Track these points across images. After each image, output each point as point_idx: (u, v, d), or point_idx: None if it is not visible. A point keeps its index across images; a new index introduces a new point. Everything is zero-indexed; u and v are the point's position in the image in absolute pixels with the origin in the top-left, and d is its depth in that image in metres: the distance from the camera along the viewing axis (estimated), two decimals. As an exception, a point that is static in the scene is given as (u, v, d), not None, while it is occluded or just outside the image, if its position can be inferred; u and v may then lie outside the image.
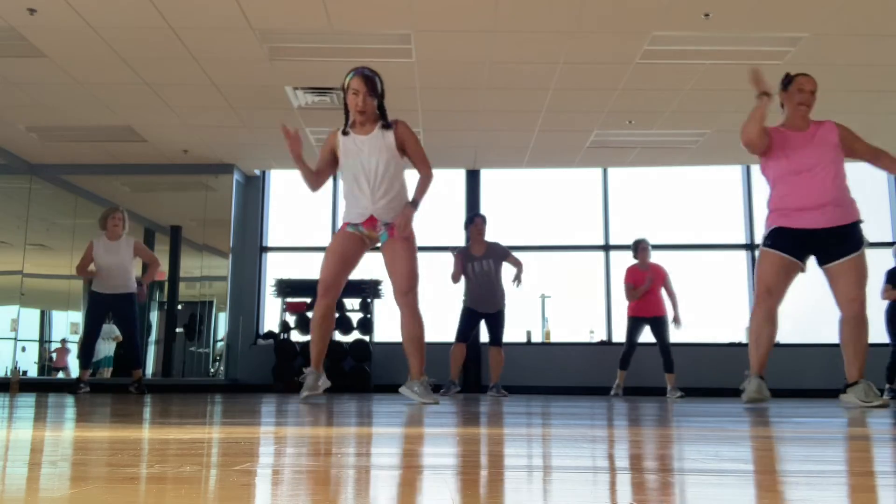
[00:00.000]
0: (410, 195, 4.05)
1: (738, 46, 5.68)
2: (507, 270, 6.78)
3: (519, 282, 6.59)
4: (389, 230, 3.97)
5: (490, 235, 6.95)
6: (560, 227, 9.05)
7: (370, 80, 3.93)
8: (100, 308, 6.55)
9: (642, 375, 8.06)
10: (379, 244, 4.07)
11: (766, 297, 4.11)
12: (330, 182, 9.15)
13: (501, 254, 6.70)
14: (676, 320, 7.11)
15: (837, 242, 4.00)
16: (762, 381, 4.11)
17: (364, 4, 5.09)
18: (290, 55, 5.86)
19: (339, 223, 4.23)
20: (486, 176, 9.05)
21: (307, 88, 6.53)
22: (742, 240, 8.85)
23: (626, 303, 7.21)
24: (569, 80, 6.28)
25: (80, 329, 6.82)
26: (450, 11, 5.17)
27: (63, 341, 9.91)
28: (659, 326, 7.05)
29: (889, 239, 8.63)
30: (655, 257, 7.21)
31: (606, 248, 8.86)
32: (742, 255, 8.82)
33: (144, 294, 6.73)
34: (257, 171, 9.09)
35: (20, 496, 0.86)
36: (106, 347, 9.62)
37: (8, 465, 1.21)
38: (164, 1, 5.02)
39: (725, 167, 8.99)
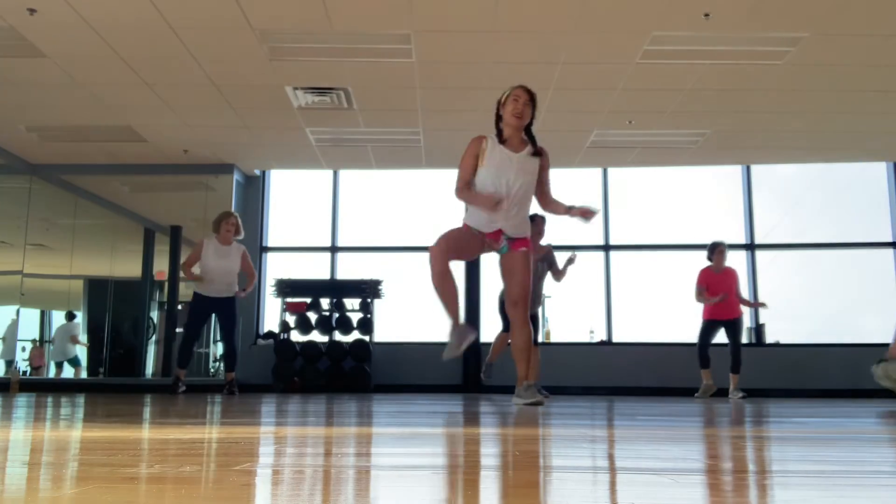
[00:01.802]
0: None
1: (738, 46, 5.68)
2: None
3: (568, 263, 6.52)
4: (512, 244, 4.11)
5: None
6: (560, 227, 9.05)
7: (531, 93, 4.11)
8: (203, 310, 6.63)
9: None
10: (498, 253, 4.20)
11: None
12: (330, 182, 9.18)
13: (552, 261, 6.70)
14: (760, 305, 7.33)
15: None
16: None
17: (364, 4, 5.09)
18: (290, 55, 5.86)
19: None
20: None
21: (307, 88, 6.53)
22: (743, 240, 8.85)
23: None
24: (569, 80, 6.28)
25: (182, 329, 6.89)
26: (450, 11, 5.17)
27: (34, 341, 9.91)
28: (734, 328, 7.06)
29: (889, 239, 8.63)
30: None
31: (606, 248, 8.86)
32: (742, 256, 8.82)
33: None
34: (257, 171, 9.08)
35: (20, 496, 0.86)
36: (72, 348, 9.65)
37: (8, 465, 1.21)
38: (164, 1, 5.02)
39: (725, 167, 8.99)
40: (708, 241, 7.35)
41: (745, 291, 7.83)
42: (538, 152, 4.13)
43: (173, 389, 6.42)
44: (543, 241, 6.68)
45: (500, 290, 6.78)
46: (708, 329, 7.12)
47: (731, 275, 7.18)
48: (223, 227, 6.66)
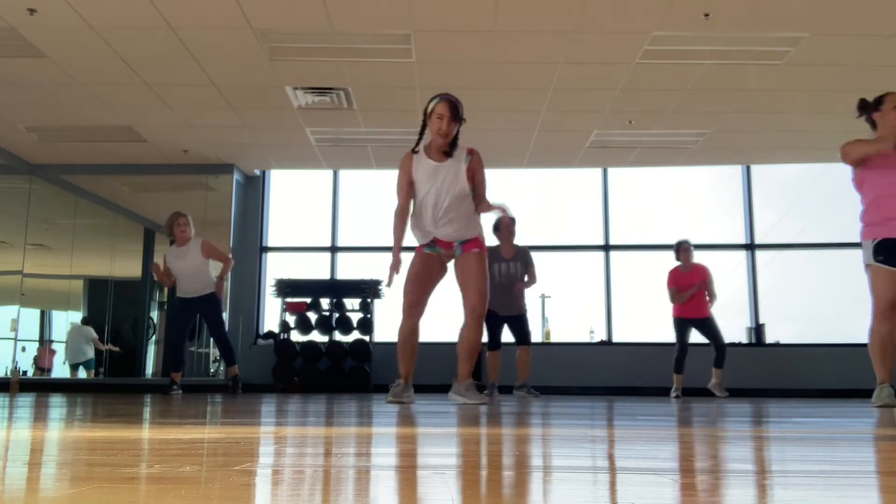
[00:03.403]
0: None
1: (738, 46, 5.68)
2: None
3: (520, 290, 6.57)
4: (464, 247, 4.16)
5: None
6: (560, 227, 9.05)
7: (454, 106, 4.13)
8: (185, 312, 6.62)
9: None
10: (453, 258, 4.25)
11: (889, 313, 4.16)
12: (330, 181, 9.18)
13: (527, 261, 6.67)
14: (711, 297, 7.15)
15: None
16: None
17: (364, 4, 5.09)
18: (290, 55, 5.86)
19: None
20: (487, 175, 9.03)
21: (307, 88, 6.53)
22: (742, 240, 8.85)
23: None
24: (569, 80, 6.28)
25: (169, 333, 6.90)
26: (450, 11, 5.17)
27: (48, 342, 9.91)
28: (708, 326, 7.05)
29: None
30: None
31: (606, 248, 8.86)
32: (742, 256, 8.82)
33: (222, 289, 6.78)
34: (257, 171, 9.08)
35: (20, 496, 0.86)
36: (89, 349, 9.64)
37: (8, 465, 1.21)
38: (164, 1, 5.02)
39: (725, 167, 8.99)
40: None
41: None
42: (467, 152, 4.18)
43: (166, 391, 6.42)
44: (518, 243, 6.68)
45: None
46: (682, 329, 7.08)
47: (701, 271, 7.13)
48: (176, 230, 6.62)
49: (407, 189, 4.19)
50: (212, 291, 6.61)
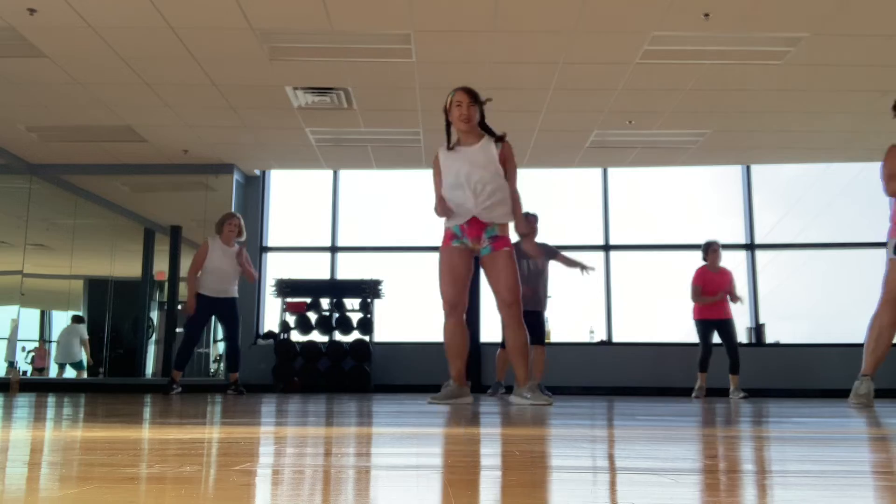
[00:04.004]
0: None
1: (738, 46, 5.68)
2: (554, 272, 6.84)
3: (584, 269, 6.63)
4: (493, 244, 4.12)
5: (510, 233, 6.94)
6: (560, 227, 9.05)
7: (471, 92, 4.16)
8: (205, 311, 6.62)
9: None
10: (480, 254, 4.21)
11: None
12: (330, 182, 9.18)
13: (551, 253, 6.69)
14: (734, 299, 7.12)
15: None
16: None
17: (364, 4, 5.09)
18: (290, 55, 5.86)
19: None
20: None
21: (307, 88, 6.53)
22: (743, 240, 8.85)
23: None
24: (569, 80, 6.28)
25: (183, 330, 6.89)
26: (450, 11, 5.17)
27: (41, 342, 9.91)
28: (727, 329, 7.06)
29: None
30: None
31: (606, 248, 8.86)
32: (742, 256, 8.82)
33: (251, 273, 6.86)
34: (257, 171, 9.08)
35: (20, 496, 0.86)
36: (79, 351, 9.64)
37: (8, 465, 1.21)
38: (164, 1, 5.02)
39: (725, 167, 8.99)
40: (708, 241, 7.34)
41: (743, 292, 7.84)
42: (498, 138, 4.19)
43: (167, 390, 6.42)
44: (538, 240, 6.69)
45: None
46: (705, 331, 7.10)
47: (726, 275, 7.18)
48: (226, 228, 6.70)
49: (439, 186, 4.19)
50: (235, 297, 6.70)
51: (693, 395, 7.09)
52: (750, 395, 7.23)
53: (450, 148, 4.19)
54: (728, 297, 7.12)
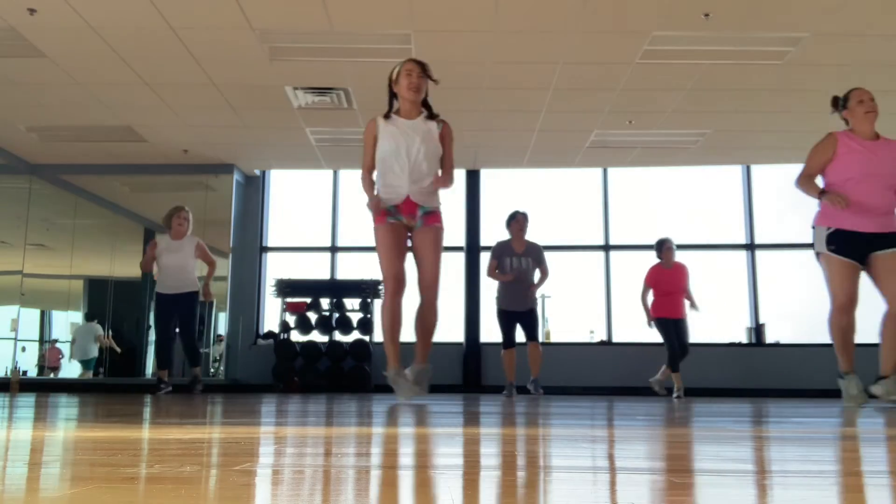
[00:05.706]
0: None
1: (738, 46, 5.68)
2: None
3: (536, 289, 6.62)
4: (425, 219, 4.06)
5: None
6: (560, 227, 9.05)
7: (423, 64, 4.11)
8: (166, 308, 6.59)
9: (641, 376, 8.06)
10: (412, 230, 4.14)
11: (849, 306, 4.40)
12: (330, 181, 9.18)
13: (538, 256, 6.68)
14: (693, 306, 7.06)
15: (884, 244, 4.23)
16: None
17: (364, 4, 5.09)
18: (290, 55, 5.86)
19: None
20: (486, 176, 9.05)
21: (307, 88, 6.53)
22: (742, 240, 8.85)
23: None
24: (569, 80, 6.28)
25: (154, 332, 6.89)
26: (450, 11, 5.17)
27: (53, 341, 9.90)
28: (680, 328, 7.01)
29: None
30: (655, 257, 7.16)
31: (606, 248, 8.86)
32: (742, 255, 8.82)
33: (211, 293, 6.76)
34: (257, 171, 9.08)
35: (20, 496, 0.86)
36: (95, 347, 9.63)
37: (8, 465, 1.21)
38: (164, 1, 5.02)
39: (725, 167, 8.99)
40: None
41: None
42: (433, 117, 4.14)
43: (155, 390, 6.43)
44: (530, 238, 6.69)
45: (496, 296, 6.77)
46: (665, 328, 6.99)
47: (681, 270, 7.07)
48: (174, 222, 6.62)
49: (373, 149, 4.13)
50: (192, 290, 6.59)
51: (674, 395, 7.03)
52: (750, 395, 7.23)
53: (386, 116, 4.14)
54: (686, 300, 7.04)
